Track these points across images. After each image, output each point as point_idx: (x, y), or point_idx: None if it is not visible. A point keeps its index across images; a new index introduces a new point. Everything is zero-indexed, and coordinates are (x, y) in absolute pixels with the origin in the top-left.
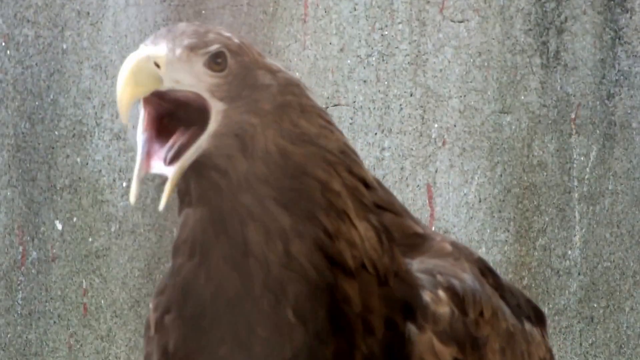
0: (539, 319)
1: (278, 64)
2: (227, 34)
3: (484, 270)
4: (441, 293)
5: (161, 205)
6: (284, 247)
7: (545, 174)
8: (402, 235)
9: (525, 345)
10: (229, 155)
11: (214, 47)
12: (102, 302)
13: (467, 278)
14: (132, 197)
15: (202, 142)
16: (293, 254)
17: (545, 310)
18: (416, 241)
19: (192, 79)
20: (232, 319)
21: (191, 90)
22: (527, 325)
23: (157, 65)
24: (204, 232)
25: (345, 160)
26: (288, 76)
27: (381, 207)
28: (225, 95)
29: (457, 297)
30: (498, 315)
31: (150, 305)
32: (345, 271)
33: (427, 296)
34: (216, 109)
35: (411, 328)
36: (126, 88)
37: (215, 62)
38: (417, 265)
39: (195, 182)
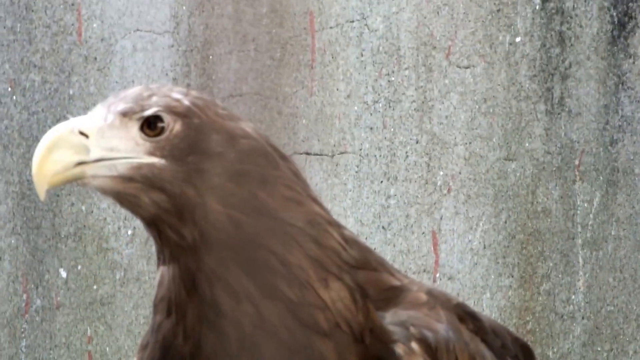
0: (527, 357)
1: (249, 128)
2: (178, 96)
3: (463, 315)
4: (414, 345)
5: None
6: (255, 309)
7: (549, 220)
8: (378, 290)
9: None
10: (178, 215)
11: (149, 111)
12: (107, 349)
13: (441, 328)
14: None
15: (118, 165)
16: (264, 316)
17: (550, 354)
18: (392, 294)
19: (128, 144)
20: None
21: (128, 156)
22: None
23: (86, 136)
24: (177, 291)
25: (311, 231)
26: (254, 144)
27: (359, 265)
28: (168, 154)
29: (430, 349)
30: None
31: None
32: (320, 332)
33: (400, 349)
34: (153, 161)
35: None
36: (42, 165)
37: (151, 126)
38: (390, 317)
39: (163, 241)
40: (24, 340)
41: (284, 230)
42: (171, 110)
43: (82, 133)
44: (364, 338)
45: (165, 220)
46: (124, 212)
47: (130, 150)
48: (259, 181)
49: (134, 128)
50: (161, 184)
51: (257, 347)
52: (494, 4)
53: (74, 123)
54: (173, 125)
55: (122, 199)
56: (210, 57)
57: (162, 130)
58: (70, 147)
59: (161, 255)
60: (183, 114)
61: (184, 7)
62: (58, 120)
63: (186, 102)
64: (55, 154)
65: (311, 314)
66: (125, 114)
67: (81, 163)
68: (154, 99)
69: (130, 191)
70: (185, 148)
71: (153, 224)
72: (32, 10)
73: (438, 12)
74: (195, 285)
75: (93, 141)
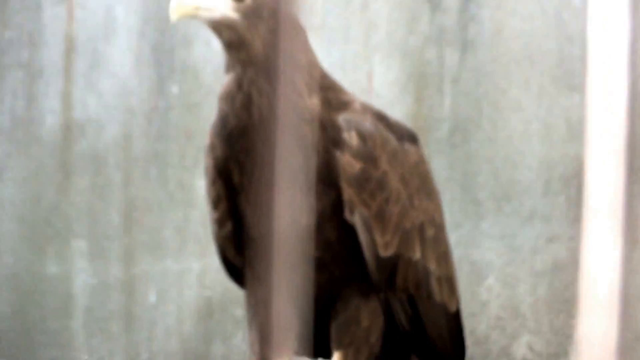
0: (414, 140)
1: (287, 12)
2: None
3: (380, 117)
4: (353, 132)
5: (172, 20)
6: (269, 102)
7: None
8: (336, 102)
9: (404, 155)
10: (239, 45)
11: None
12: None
13: (368, 124)
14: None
15: (216, 13)
16: (274, 106)
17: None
18: (343, 105)
19: (225, 4)
20: (243, 140)
21: (223, 10)
22: (407, 145)
23: None
24: (231, 90)
25: (309, 68)
26: (289, 18)
27: (327, 88)
28: (241, 14)
29: (362, 134)
30: (386, 142)
31: (207, 135)
32: (305, 120)
33: (345, 135)
34: (233, 15)
35: (337, 153)
36: (176, 3)
37: None
38: (341, 118)
39: (230, 55)
40: None
41: (295, 64)
42: None
43: None
44: (327, 127)
45: (233, 45)
46: (216, 59)
47: (224, 7)
48: (286, 37)
49: None
50: (234, 28)
51: (269, 122)
52: None
53: None
54: (253, 4)
55: (214, 30)
56: None
57: (242, 0)
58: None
59: (228, 65)
60: None
61: None
62: None
63: None
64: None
65: (302, 110)
66: None
67: (197, 8)
68: None
69: (219, 28)
70: (251, 13)
71: (227, 46)
72: None
73: None
74: (241, 84)
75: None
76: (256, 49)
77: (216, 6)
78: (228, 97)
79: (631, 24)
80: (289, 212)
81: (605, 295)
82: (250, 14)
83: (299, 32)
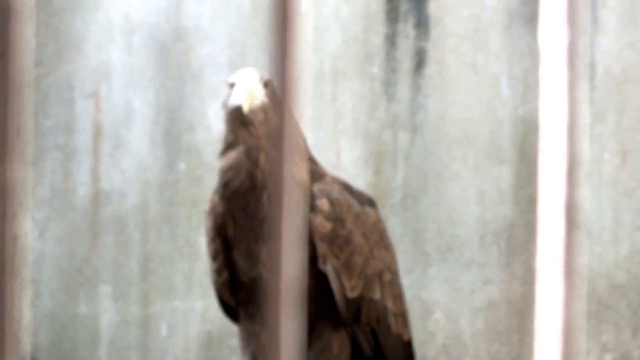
0: (373, 205)
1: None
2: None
3: (346, 187)
4: (324, 199)
5: (244, 110)
6: (273, 169)
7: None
8: (315, 174)
9: (365, 217)
10: (265, 118)
11: (265, 80)
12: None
13: (336, 192)
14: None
15: (259, 100)
16: (276, 174)
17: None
18: (319, 177)
19: (262, 94)
20: (240, 200)
21: (262, 97)
22: (367, 208)
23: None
24: (237, 161)
25: (302, 148)
26: (289, 111)
27: (310, 161)
28: (268, 99)
29: (331, 201)
30: (351, 207)
31: (209, 201)
32: (296, 184)
33: (318, 201)
34: (265, 100)
35: (312, 215)
36: (238, 94)
37: (265, 86)
38: (316, 187)
39: (235, 134)
40: None
41: (296, 137)
42: (270, 83)
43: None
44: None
45: (258, 122)
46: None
47: (263, 95)
48: (290, 115)
49: (261, 85)
50: (266, 109)
51: (265, 184)
52: None
53: (249, 78)
54: (270, 88)
55: (253, 113)
56: None
57: (267, 88)
58: (248, 89)
59: (230, 143)
60: (272, 85)
61: None
62: None
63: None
64: (243, 91)
65: (296, 176)
66: (259, 80)
67: (256, 98)
68: (265, 77)
69: (259, 110)
70: (272, 96)
71: (248, 124)
72: None
73: None
74: (250, 154)
75: (254, 88)
76: (272, 123)
77: (261, 95)
78: (233, 168)
79: (569, 104)
80: (278, 263)
81: (550, 322)
82: (271, 97)
83: (298, 125)
